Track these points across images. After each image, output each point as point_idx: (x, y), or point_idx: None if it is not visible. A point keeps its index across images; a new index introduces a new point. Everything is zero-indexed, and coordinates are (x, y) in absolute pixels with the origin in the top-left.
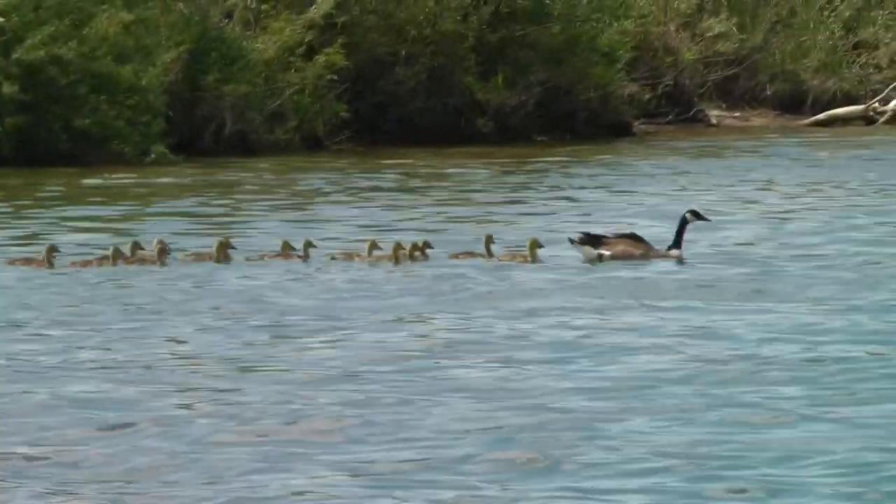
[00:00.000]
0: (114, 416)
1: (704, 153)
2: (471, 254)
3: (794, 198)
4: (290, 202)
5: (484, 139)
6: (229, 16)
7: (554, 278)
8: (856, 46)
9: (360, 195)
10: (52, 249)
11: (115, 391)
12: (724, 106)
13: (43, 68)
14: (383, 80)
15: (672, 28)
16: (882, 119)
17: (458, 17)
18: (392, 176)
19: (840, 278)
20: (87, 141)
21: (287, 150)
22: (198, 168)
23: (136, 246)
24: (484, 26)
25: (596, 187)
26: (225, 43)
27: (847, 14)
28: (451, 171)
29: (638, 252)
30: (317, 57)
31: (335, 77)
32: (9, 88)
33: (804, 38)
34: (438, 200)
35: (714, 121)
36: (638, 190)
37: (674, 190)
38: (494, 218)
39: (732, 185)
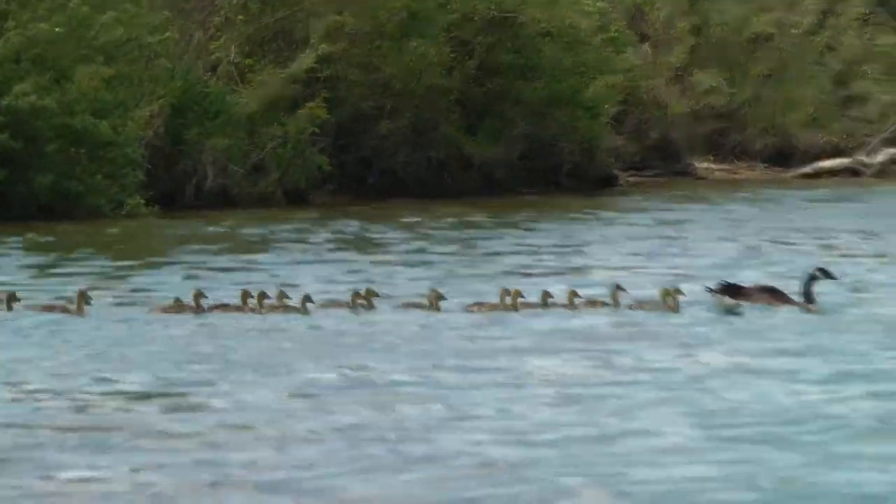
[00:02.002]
0: None
1: (691, 202)
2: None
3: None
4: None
5: (469, 193)
6: (213, 70)
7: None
8: (845, 100)
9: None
10: (199, 294)
11: None
12: (712, 159)
13: (27, 119)
14: (367, 133)
15: (661, 82)
16: (868, 172)
17: (443, 72)
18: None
19: None
20: (66, 195)
21: (269, 203)
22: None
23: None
24: (469, 80)
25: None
26: (207, 97)
27: (837, 68)
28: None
29: (777, 304)
30: (299, 111)
31: (318, 130)
32: None
33: (794, 92)
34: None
35: (702, 174)
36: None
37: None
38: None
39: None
